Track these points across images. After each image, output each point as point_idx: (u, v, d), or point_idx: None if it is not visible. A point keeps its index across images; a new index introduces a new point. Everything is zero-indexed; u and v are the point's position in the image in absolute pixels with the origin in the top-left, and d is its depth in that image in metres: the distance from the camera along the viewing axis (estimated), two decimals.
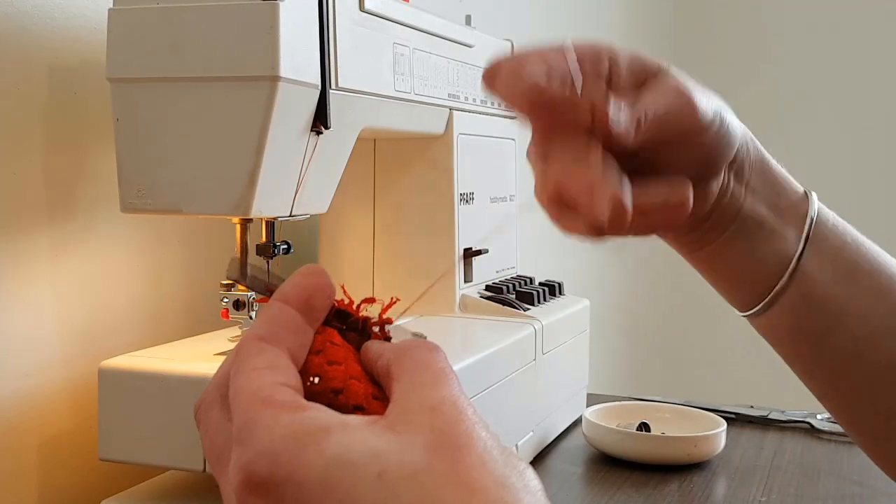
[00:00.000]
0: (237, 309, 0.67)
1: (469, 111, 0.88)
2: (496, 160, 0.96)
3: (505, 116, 0.96)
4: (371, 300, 0.40)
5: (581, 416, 0.94)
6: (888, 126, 2.38)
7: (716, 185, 0.49)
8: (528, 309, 0.90)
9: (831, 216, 0.52)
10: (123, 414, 0.62)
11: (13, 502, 0.66)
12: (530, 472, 0.33)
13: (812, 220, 0.50)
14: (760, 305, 0.51)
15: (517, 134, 0.99)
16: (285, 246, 0.67)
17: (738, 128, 0.48)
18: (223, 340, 0.70)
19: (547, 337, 0.88)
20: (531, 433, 0.86)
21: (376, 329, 0.39)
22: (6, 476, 0.65)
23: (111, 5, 0.59)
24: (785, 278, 0.50)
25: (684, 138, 0.45)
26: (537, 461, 0.88)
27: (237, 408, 0.34)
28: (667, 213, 0.45)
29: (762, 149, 0.52)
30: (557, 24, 1.76)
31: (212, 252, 0.82)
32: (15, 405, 0.65)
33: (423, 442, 0.32)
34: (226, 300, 0.67)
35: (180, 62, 0.57)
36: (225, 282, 0.67)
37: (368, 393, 0.35)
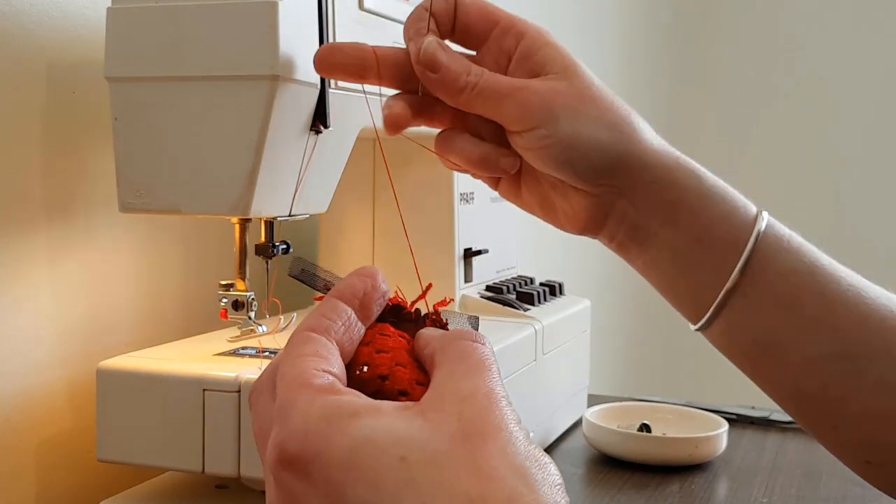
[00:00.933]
0: (236, 309, 0.66)
1: None
2: None
3: None
4: (423, 295, 0.43)
5: (582, 417, 0.94)
6: (888, 127, 2.38)
7: (588, 201, 0.51)
8: (529, 309, 0.89)
9: (786, 239, 0.52)
10: (122, 414, 0.62)
11: (11, 503, 0.65)
12: (553, 468, 0.35)
13: (745, 258, 0.50)
14: (698, 326, 0.53)
15: None
16: (284, 246, 0.67)
17: (607, 152, 0.50)
18: (222, 341, 0.69)
19: (547, 337, 0.88)
20: (531, 434, 0.86)
21: (431, 319, 0.41)
22: (4, 476, 0.65)
23: (110, 4, 0.59)
24: (713, 309, 0.51)
25: (508, 124, 0.51)
26: None
27: (279, 391, 0.35)
28: (481, 162, 0.52)
29: (703, 180, 0.52)
30: (557, 24, 1.76)
31: (211, 252, 0.82)
32: (13, 405, 0.65)
33: (449, 430, 0.33)
34: (224, 300, 0.67)
35: (179, 61, 0.57)
36: (223, 282, 0.67)
37: (413, 379, 0.37)
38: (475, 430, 0.34)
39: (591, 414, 0.92)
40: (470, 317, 0.42)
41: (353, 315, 0.39)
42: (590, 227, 0.53)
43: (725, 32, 2.51)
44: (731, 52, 2.49)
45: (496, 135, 0.53)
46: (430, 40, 0.50)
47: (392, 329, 0.39)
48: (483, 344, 0.38)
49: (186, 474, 0.68)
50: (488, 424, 0.34)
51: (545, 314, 0.90)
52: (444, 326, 0.41)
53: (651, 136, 0.52)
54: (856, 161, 2.38)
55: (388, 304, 0.40)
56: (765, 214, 0.52)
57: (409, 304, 0.41)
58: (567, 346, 0.95)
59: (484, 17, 0.53)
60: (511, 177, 0.55)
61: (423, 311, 0.41)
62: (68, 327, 0.69)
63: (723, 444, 0.89)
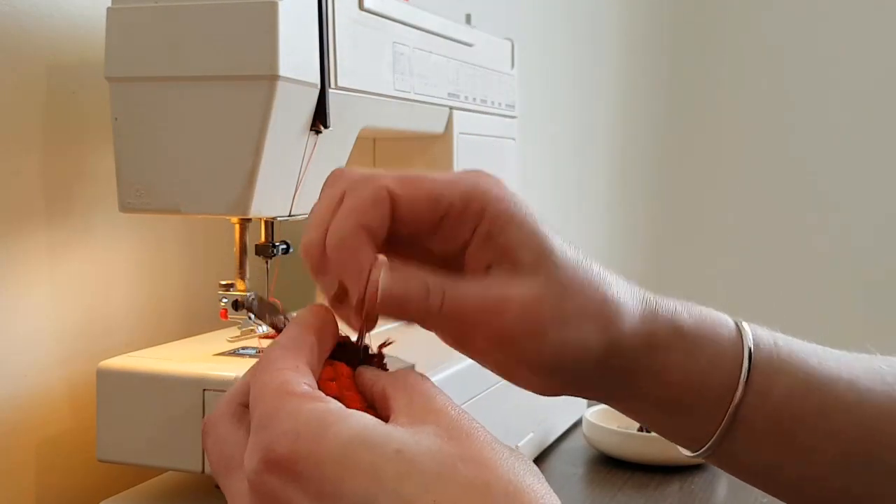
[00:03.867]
0: (236, 309, 0.66)
1: (469, 110, 0.88)
2: (496, 160, 0.96)
3: (505, 116, 0.96)
4: (360, 337, 0.42)
5: (581, 417, 0.94)
6: (887, 129, 2.38)
7: (567, 391, 0.46)
8: None
9: (774, 352, 0.46)
10: (122, 414, 0.62)
11: (11, 503, 0.65)
12: (533, 465, 0.35)
13: (741, 392, 0.45)
14: (696, 454, 0.49)
15: (517, 134, 0.99)
16: (284, 246, 0.67)
17: (594, 352, 0.43)
18: (222, 340, 0.69)
19: None
20: (531, 434, 0.86)
21: (374, 359, 0.41)
22: (4, 476, 0.65)
23: (109, 4, 0.59)
24: (707, 447, 0.47)
25: (482, 346, 0.43)
26: (538, 462, 0.88)
27: (261, 400, 0.35)
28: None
29: (682, 327, 0.45)
30: (557, 23, 1.76)
31: (211, 252, 0.82)
32: (13, 405, 0.65)
33: (434, 431, 0.34)
34: (224, 300, 0.67)
35: (179, 61, 0.57)
36: (223, 282, 0.67)
37: (365, 405, 0.38)
38: (457, 431, 0.34)
39: (591, 414, 0.92)
40: (408, 365, 0.42)
41: (316, 344, 0.39)
42: (560, 394, 0.48)
43: (724, 34, 2.51)
44: (729, 54, 2.50)
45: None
46: (382, 279, 0.40)
47: (340, 364, 0.40)
48: (429, 379, 0.38)
49: (186, 474, 0.68)
50: (467, 427, 0.34)
51: None
52: (384, 368, 0.41)
53: (630, 295, 0.45)
54: (855, 163, 2.38)
55: (336, 342, 0.41)
56: (747, 329, 0.47)
57: (354, 342, 0.41)
58: None
59: (432, 204, 0.41)
60: (452, 328, 0.44)
61: (369, 350, 0.41)
62: (68, 327, 0.69)
63: None
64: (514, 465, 0.34)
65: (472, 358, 0.45)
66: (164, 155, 0.59)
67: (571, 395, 0.48)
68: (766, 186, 2.36)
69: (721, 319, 0.47)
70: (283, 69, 0.56)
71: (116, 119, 0.59)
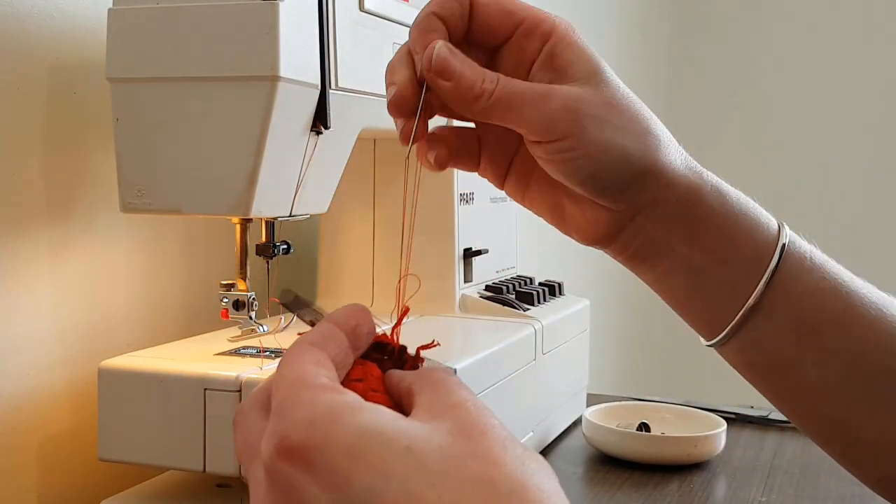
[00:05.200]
0: (237, 309, 0.67)
1: None
2: None
3: None
4: (399, 322, 0.43)
5: (581, 417, 0.94)
6: (887, 131, 2.38)
7: (606, 213, 0.48)
8: (528, 309, 0.89)
9: (808, 255, 0.49)
10: (123, 414, 0.62)
11: (12, 502, 0.66)
12: (547, 464, 0.36)
13: (769, 276, 0.48)
14: (713, 342, 0.50)
15: None
16: (285, 246, 0.67)
17: (635, 167, 0.47)
18: (223, 340, 0.70)
19: (547, 337, 0.88)
20: (531, 433, 0.86)
21: (411, 361, 0.42)
22: (6, 476, 0.65)
23: (111, 5, 0.59)
24: (731, 327, 0.49)
25: (530, 134, 0.47)
26: None
27: (279, 390, 0.36)
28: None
29: (727, 196, 0.49)
30: None
31: (211, 252, 0.82)
32: (15, 405, 0.65)
33: (448, 427, 0.34)
34: (225, 300, 0.67)
35: (180, 62, 0.57)
36: (224, 282, 0.67)
37: (388, 405, 0.38)
38: (471, 428, 0.35)
39: (591, 413, 0.92)
40: (445, 368, 0.43)
41: (347, 342, 0.39)
42: (601, 239, 0.50)
43: (724, 32, 2.51)
44: (729, 53, 2.50)
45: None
46: (440, 45, 0.45)
47: (371, 365, 0.40)
48: (455, 375, 0.39)
49: (187, 473, 0.68)
50: (482, 424, 0.35)
51: (545, 314, 0.90)
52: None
53: (675, 148, 0.49)
54: (857, 161, 2.39)
55: (372, 342, 0.41)
56: (787, 229, 0.50)
57: (394, 341, 0.41)
58: (566, 345, 0.95)
59: (506, 15, 0.48)
60: (521, 175, 0.51)
61: (406, 351, 0.41)
62: (69, 327, 0.69)
63: (721, 443, 0.89)
64: (523, 462, 0.34)
65: (537, 202, 0.51)
66: (165, 155, 0.59)
67: (613, 241, 0.50)
68: (768, 189, 2.36)
69: (762, 210, 0.50)
70: (284, 70, 0.56)
71: (117, 119, 0.59)
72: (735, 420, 1.02)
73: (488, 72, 0.46)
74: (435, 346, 0.42)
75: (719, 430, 0.89)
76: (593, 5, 1.97)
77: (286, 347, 0.39)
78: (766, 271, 0.48)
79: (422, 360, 0.41)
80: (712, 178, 0.50)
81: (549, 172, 0.48)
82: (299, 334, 0.40)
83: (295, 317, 0.44)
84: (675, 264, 0.49)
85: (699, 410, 0.97)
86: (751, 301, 0.48)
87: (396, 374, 0.40)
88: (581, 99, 0.46)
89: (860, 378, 0.48)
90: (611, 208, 0.48)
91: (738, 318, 0.48)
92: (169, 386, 0.61)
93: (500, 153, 0.51)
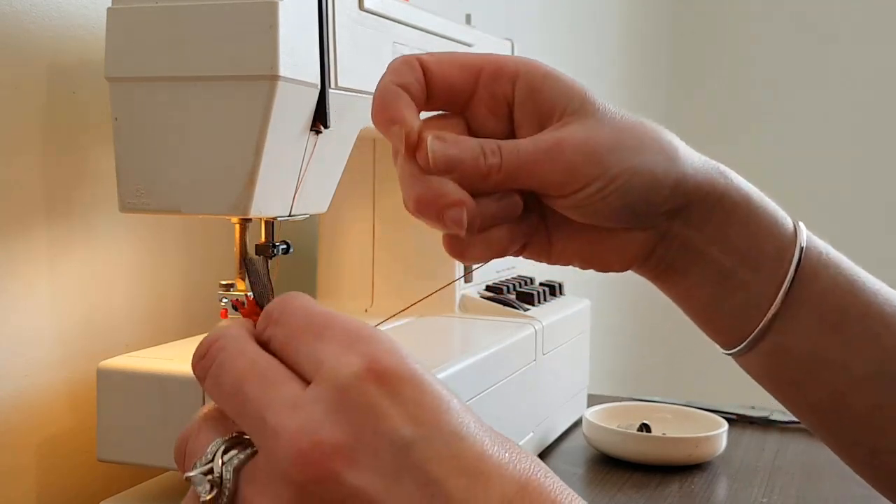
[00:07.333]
0: (236, 309, 0.66)
1: None
2: None
3: None
4: None
5: (581, 417, 0.94)
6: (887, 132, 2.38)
7: (642, 234, 0.47)
8: (529, 309, 0.89)
9: (823, 252, 0.48)
10: (122, 414, 0.62)
11: (11, 502, 0.65)
12: None
13: (792, 276, 0.47)
14: (737, 349, 0.49)
15: None
16: (285, 246, 0.67)
17: (663, 182, 0.45)
18: None
19: (547, 337, 0.88)
20: (531, 434, 0.86)
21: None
22: (4, 476, 0.65)
23: (110, 4, 0.59)
24: (758, 331, 0.48)
25: (553, 191, 0.44)
26: None
27: (338, 322, 0.33)
28: (499, 212, 0.45)
29: (748, 191, 0.48)
30: (557, 23, 1.76)
31: (211, 252, 0.82)
32: (13, 405, 0.65)
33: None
34: (225, 300, 0.66)
35: (179, 61, 0.57)
36: (224, 282, 0.67)
37: None
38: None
39: (591, 414, 0.92)
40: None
41: None
42: (638, 261, 0.48)
43: (725, 33, 2.51)
44: (730, 53, 2.49)
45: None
46: (430, 142, 0.42)
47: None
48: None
49: None
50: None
51: (545, 314, 0.90)
52: None
53: (687, 147, 0.48)
54: (858, 161, 2.38)
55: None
56: (802, 226, 0.49)
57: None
58: (567, 345, 0.95)
59: (463, 68, 0.45)
60: (540, 235, 0.48)
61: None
62: (68, 327, 0.69)
63: (722, 443, 0.89)
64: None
65: (566, 254, 0.48)
66: (165, 155, 0.59)
67: (650, 258, 0.48)
68: (768, 190, 2.36)
69: (778, 207, 0.49)
70: (284, 69, 0.56)
71: (116, 119, 0.59)
72: (736, 421, 1.02)
73: (485, 143, 0.43)
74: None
75: (720, 430, 0.89)
76: (594, 6, 1.97)
77: None
78: (787, 273, 0.47)
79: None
80: (731, 174, 0.49)
81: (578, 219, 0.45)
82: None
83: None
84: (706, 270, 0.48)
85: (700, 411, 0.96)
86: (777, 302, 0.47)
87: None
88: (591, 137, 0.43)
89: (887, 377, 0.47)
90: (646, 228, 0.47)
91: (764, 320, 0.47)
92: (168, 386, 0.61)
93: (513, 225, 0.47)
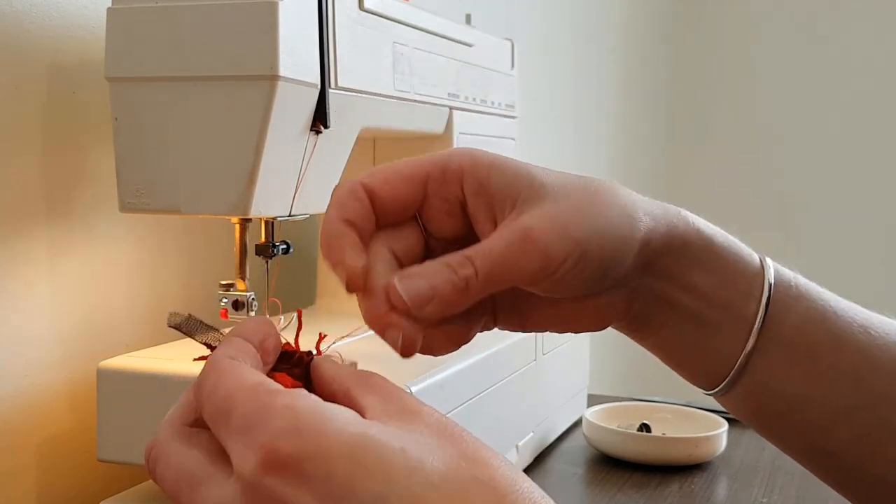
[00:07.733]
0: (236, 309, 0.66)
1: (469, 111, 0.88)
2: None
3: (505, 116, 0.96)
4: (318, 345, 0.42)
5: (581, 417, 0.94)
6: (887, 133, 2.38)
7: (616, 292, 0.46)
8: None
9: (793, 285, 0.48)
10: (122, 414, 0.62)
11: (11, 503, 0.65)
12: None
13: (763, 313, 0.46)
14: (716, 390, 0.49)
15: (517, 134, 0.99)
16: (284, 246, 0.67)
17: (631, 234, 0.44)
18: None
19: (547, 337, 0.88)
20: (531, 434, 0.86)
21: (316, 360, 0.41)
22: (4, 476, 0.65)
23: (110, 4, 0.59)
24: (734, 372, 0.47)
25: (532, 279, 0.43)
26: (538, 462, 0.88)
27: (238, 403, 0.33)
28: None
29: (711, 233, 0.48)
30: (557, 23, 1.76)
31: (211, 252, 0.82)
32: (13, 405, 0.65)
33: (425, 431, 0.33)
34: (225, 300, 0.67)
35: (179, 61, 0.57)
36: (224, 282, 0.67)
37: None
38: (448, 431, 0.34)
39: (591, 414, 0.92)
40: (352, 363, 0.42)
41: (258, 355, 0.38)
42: (615, 318, 0.48)
43: (726, 33, 2.51)
44: (730, 53, 2.50)
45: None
46: (398, 283, 0.40)
47: (284, 376, 0.39)
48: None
49: None
50: (451, 428, 0.34)
51: None
52: None
53: (641, 197, 0.47)
54: (857, 162, 2.38)
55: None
56: (769, 262, 0.48)
57: (298, 349, 0.41)
58: (567, 345, 0.95)
59: (408, 180, 0.43)
60: (513, 311, 0.47)
61: (311, 354, 0.40)
62: (68, 327, 0.69)
63: (722, 443, 0.89)
64: (506, 462, 0.34)
65: (540, 323, 0.47)
66: (164, 155, 0.59)
67: (626, 315, 0.48)
68: (769, 191, 2.36)
69: (742, 244, 0.49)
70: (283, 69, 0.56)
71: (116, 119, 0.59)
72: (736, 421, 1.02)
73: (451, 257, 0.42)
74: (324, 337, 0.42)
75: (720, 430, 0.89)
76: (594, 6, 1.97)
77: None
78: (758, 311, 0.47)
79: (321, 354, 0.41)
80: (689, 214, 0.48)
81: (554, 294, 0.44)
82: (195, 359, 0.39)
83: (282, 320, 0.43)
84: (680, 318, 0.48)
85: (700, 411, 0.96)
86: (749, 342, 0.47)
87: (327, 369, 0.38)
88: (553, 216, 0.42)
89: (865, 404, 0.47)
90: (618, 287, 0.46)
91: (738, 361, 0.47)
92: (168, 386, 0.61)
93: (481, 306, 0.46)
